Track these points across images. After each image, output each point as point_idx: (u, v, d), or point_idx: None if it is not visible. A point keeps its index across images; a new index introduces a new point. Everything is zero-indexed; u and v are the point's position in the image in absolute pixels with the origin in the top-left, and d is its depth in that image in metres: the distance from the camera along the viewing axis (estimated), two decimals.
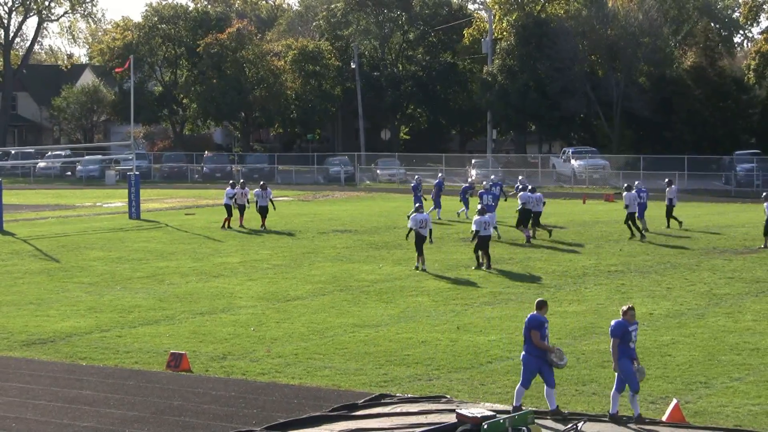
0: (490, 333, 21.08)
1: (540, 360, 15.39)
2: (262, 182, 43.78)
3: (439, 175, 49.33)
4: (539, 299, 16.01)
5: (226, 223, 40.98)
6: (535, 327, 15.41)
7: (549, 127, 77.61)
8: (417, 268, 29.48)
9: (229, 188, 42.04)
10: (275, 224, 40.92)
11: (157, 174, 78.92)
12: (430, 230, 30.43)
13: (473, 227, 29.64)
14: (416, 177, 48.31)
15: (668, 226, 38.58)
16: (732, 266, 29.51)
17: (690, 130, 70.89)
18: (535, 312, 15.58)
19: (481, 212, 29.88)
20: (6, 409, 16.09)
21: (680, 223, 38.65)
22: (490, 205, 35.33)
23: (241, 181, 45.18)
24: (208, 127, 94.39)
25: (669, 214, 38.91)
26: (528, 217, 35.76)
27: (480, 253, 29.64)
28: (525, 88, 74.09)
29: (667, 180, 40.30)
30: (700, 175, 61.92)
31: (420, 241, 29.51)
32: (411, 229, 29.76)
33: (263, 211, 40.70)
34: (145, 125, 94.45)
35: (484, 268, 29.40)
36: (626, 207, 36.11)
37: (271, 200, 41.10)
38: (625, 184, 38.50)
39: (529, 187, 37.71)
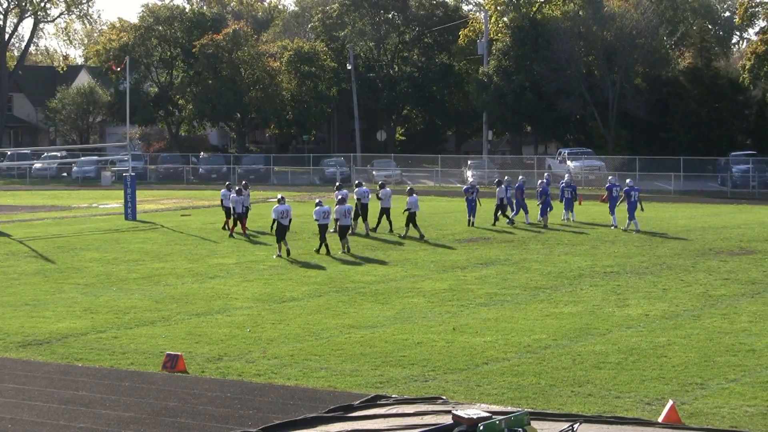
0: (486, 334, 21.08)
1: None
2: (237, 187, 39.51)
3: (520, 178, 45.52)
4: None
5: (228, 226, 39.37)
6: None
7: (545, 128, 77.58)
8: (280, 256, 32.56)
9: (224, 190, 40.54)
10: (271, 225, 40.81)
11: (153, 175, 78.82)
12: (290, 220, 33.48)
13: (335, 216, 33.91)
14: (498, 180, 44.94)
15: (494, 224, 41.12)
16: (728, 267, 29.54)
17: (685, 131, 70.90)
18: None
19: (341, 202, 33.91)
20: (2, 410, 16.07)
21: (511, 221, 41.51)
22: (568, 198, 42.65)
23: (244, 182, 42.28)
24: (203, 128, 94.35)
25: (500, 212, 41.80)
26: (364, 212, 38.95)
27: (343, 240, 33.51)
28: (521, 89, 74.11)
29: (497, 180, 43.87)
30: (696, 176, 61.92)
31: (282, 230, 32.80)
32: (275, 219, 33.27)
33: (241, 218, 38.55)
34: (141, 126, 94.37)
35: (343, 251, 33.25)
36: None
37: (248, 206, 39.28)
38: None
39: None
